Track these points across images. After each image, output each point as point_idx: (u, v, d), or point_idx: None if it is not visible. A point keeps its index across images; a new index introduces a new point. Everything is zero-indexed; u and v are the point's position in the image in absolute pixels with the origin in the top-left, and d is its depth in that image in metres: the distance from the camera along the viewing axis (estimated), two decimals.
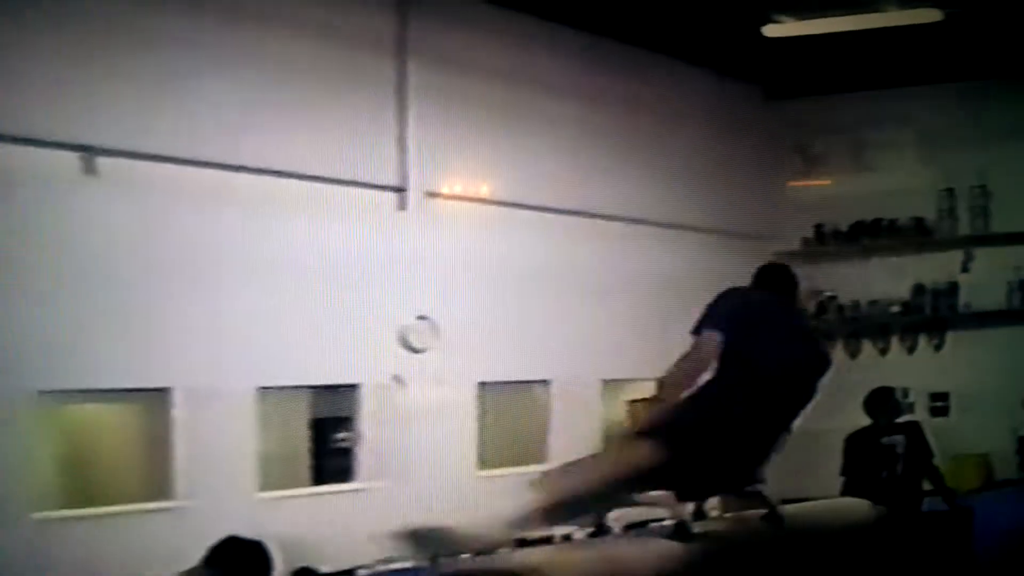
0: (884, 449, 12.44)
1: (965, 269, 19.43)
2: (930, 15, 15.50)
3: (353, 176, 14.35)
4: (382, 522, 14.04)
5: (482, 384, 15.59)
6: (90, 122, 12.05)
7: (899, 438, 12.63)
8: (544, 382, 16.58)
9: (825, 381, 7.06)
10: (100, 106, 12.14)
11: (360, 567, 13.34)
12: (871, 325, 19.85)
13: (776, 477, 6.72)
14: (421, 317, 14.78)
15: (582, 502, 6.23)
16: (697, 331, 6.89)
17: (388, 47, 14.91)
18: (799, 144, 20.43)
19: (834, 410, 14.94)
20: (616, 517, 6.09)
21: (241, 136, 13.32)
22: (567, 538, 12.70)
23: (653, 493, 5.90)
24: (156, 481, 12.37)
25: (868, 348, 19.83)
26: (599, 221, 17.14)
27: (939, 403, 19.18)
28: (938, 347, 19.66)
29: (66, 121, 11.88)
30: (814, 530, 6.56)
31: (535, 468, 16.11)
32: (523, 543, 10.43)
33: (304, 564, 13.19)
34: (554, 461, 16.29)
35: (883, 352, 19.70)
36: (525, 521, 6.04)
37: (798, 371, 6.81)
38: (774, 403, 6.54)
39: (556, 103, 16.75)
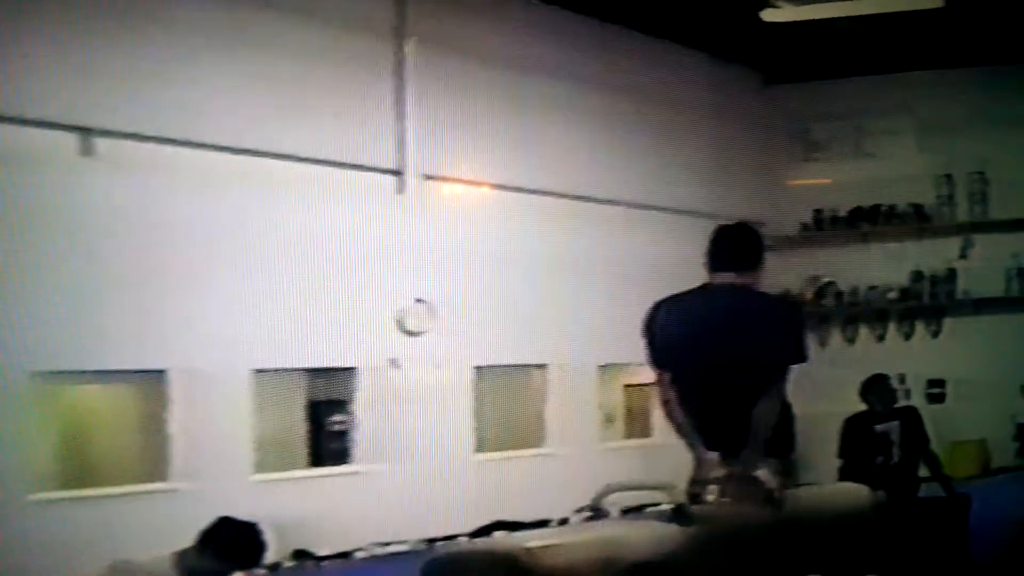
0: (878, 436, 12.45)
1: (963, 256, 19.42)
2: (931, 1, 15.46)
3: (351, 159, 14.31)
4: (379, 505, 14.12)
5: (479, 368, 15.58)
6: (88, 103, 12.01)
7: (893, 425, 12.64)
8: (541, 366, 16.57)
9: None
10: (98, 87, 12.10)
11: (357, 550, 13.32)
12: (869, 311, 19.84)
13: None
14: (418, 300, 14.75)
15: None
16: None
17: (387, 29, 14.87)
18: (798, 130, 20.41)
19: (831, 395, 15.01)
20: (613, 501, 6.05)
21: (239, 118, 13.29)
22: (564, 521, 12.72)
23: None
24: (151, 463, 12.36)
25: (865, 334, 19.83)
26: (597, 205, 17.11)
27: (936, 390, 19.17)
28: (936, 333, 19.65)
29: (63, 101, 11.84)
30: (812, 515, 6.54)
31: (532, 452, 16.15)
32: (518, 526, 10.43)
33: (300, 547, 13.19)
34: (551, 445, 16.34)
35: (880, 338, 19.70)
36: None
37: (726, 360, 6.97)
38: (723, 396, 6.75)
39: (555, 87, 16.72)
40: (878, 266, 19.83)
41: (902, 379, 17.63)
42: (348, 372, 14.39)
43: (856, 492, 7.45)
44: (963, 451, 17.58)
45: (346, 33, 14.43)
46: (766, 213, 19.53)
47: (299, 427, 14.33)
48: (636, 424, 17.71)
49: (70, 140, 11.87)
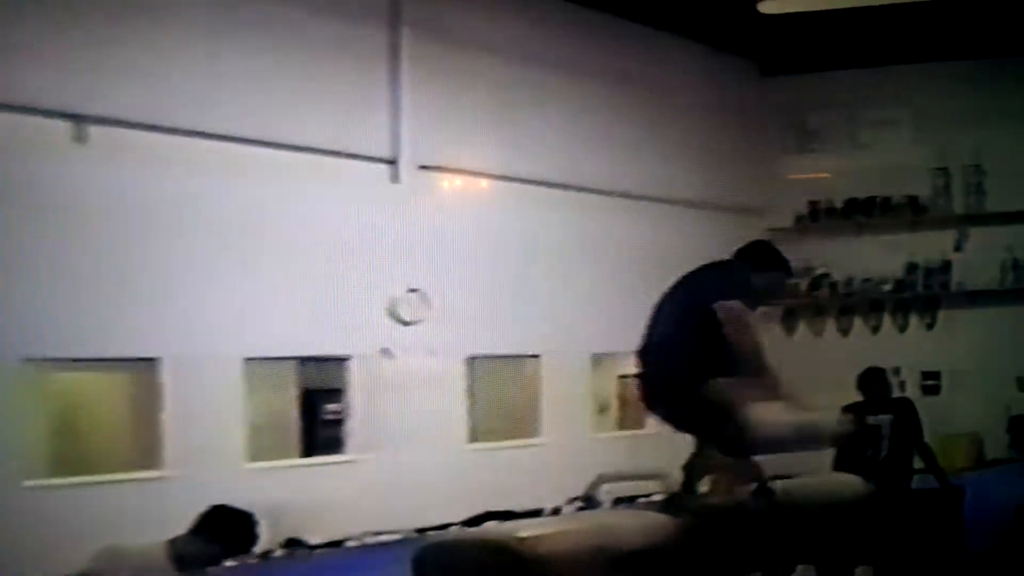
0: (869, 428, 12.44)
1: (958, 248, 19.41)
2: None
3: (345, 148, 14.30)
4: (371, 494, 14.11)
5: (472, 357, 15.56)
6: (81, 90, 12.00)
7: (885, 418, 12.62)
8: (534, 356, 16.55)
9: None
10: (92, 75, 12.08)
11: (349, 539, 13.32)
12: (863, 302, 19.83)
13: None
14: (412, 290, 14.73)
15: None
16: None
17: (382, 18, 14.85)
18: (794, 121, 20.38)
19: (826, 386, 14.99)
20: (606, 491, 6.03)
21: (233, 106, 13.27)
22: (556, 511, 12.71)
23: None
24: (144, 451, 12.34)
25: (860, 325, 19.82)
26: (591, 195, 17.09)
27: (930, 381, 19.17)
28: (930, 325, 19.64)
29: (57, 89, 11.82)
30: (804, 505, 6.53)
31: (525, 442, 16.13)
32: (511, 516, 10.42)
33: (293, 535, 13.18)
34: (544, 435, 16.33)
35: (875, 330, 19.69)
36: None
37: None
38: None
39: (550, 76, 16.70)
40: (873, 257, 19.81)
41: (897, 371, 17.61)
42: (341, 361, 14.38)
43: (849, 483, 7.44)
44: (957, 443, 17.58)
45: (341, 22, 14.40)
46: (761, 203, 19.54)
47: (292, 416, 14.31)
48: (629, 414, 17.68)
49: (63, 128, 11.85)
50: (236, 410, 13.18)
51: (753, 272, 7.05)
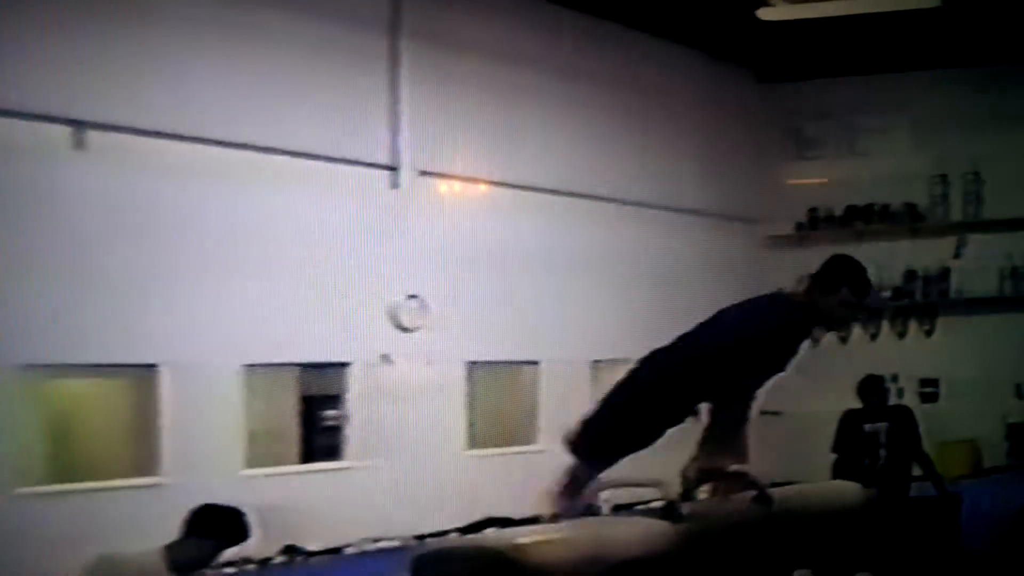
0: (866, 436, 12.40)
1: (957, 255, 19.42)
2: (927, 1, 15.44)
3: (345, 154, 14.30)
4: (369, 501, 14.10)
5: (471, 364, 15.56)
6: (81, 96, 12.01)
7: (882, 426, 12.58)
8: (533, 362, 16.54)
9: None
10: (92, 81, 12.10)
11: (347, 545, 13.31)
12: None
13: (766, 460, 6.69)
14: (411, 296, 14.73)
15: None
16: None
17: (382, 25, 14.86)
18: (792, 128, 20.39)
19: (823, 394, 14.97)
20: (605, 498, 6.02)
21: (232, 113, 13.28)
22: (554, 518, 12.69)
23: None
24: (142, 457, 12.34)
25: (859, 333, 19.80)
26: (589, 202, 17.10)
27: (929, 389, 19.17)
28: (929, 333, 19.65)
29: (56, 95, 11.83)
30: (803, 513, 6.52)
31: (523, 448, 16.11)
32: (509, 523, 10.40)
33: (290, 542, 13.17)
34: (542, 442, 16.30)
35: (874, 337, 19.68)
36: None
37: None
38: None
39: (549, 83, 16.71)
40: (872, 265, 19.66)
41: (895, 378, 17.61)
42: (340, 368, 14.37)
43: (847, 490, 7.42)
44: (955, 450, 17.57)
45: (341, 29, 14.41)
46: (761, 211, 19.54)
47: (290, 422, 14.32)
48: None
49: (62, 133, 11.86)
50: (234, 417, 13.17)
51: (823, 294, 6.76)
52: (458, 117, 15.48)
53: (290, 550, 13.16)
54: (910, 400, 17.27)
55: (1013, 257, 19.13)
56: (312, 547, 13.24)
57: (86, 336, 11.91)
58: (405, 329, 14.69)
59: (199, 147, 12.89)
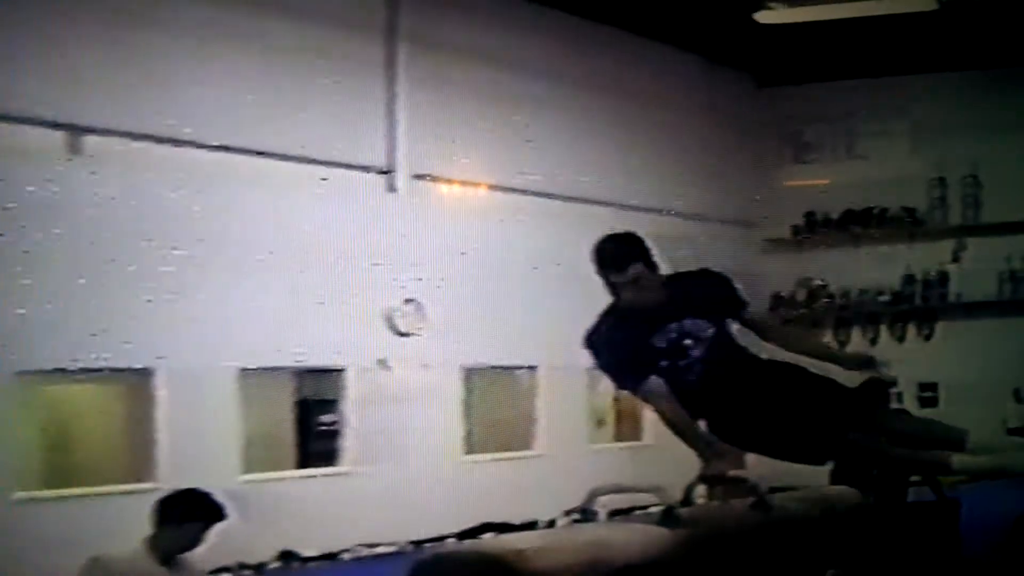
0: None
1: (956, 259, 19.40)
2: (925, 4, 15.43)
3: (341, 158, 14.29)
4: (366, 506, 14.06)
5: (468, 369, 15.54)
6: (77, 101, 12.00)
7: None
8: (530, 367, 16.52)
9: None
10: (88, 86, 12.09)
11: (343, 551, 13.27)
12: (860, 314, 19.81)
13: (765, 464, 6.67)
14: (408, 300, 14.70)
15: None
16: None
17: (378, 29, 14.85)
18: (790, 132, 20.37)
19: None
20: (603, 503, 5.99)
21: (228, 117, 13.26)
22: (552, 523, 12.67)
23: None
24: (137, 463, 12.30)
25: (857, 337, 19.79)
26: (587, 206, 17.07)
27: (928, 393, 19.14)
28: (928, 337, 19.63)
29: (52, 100, 11.82)
30: (802, 518, 6.49)
31: (521, 454, 16.09)
32: (507, 528, 10.37)
33: (287, 547, 13.14)
34: (540, 447, 16.29)
35: (872, 341, 19.65)
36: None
37: None
38: None
39: (546, 87, 16.69)
40: (870, 269, 19.79)
41: (894, 383, 17.59)
42: (337, 373, 14.35)
43: (845, 495, 7.40)
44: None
45: (338, 33, 14.40)
46: (758, 215, 19.52)
47: (287, 427, 14.28)
48: (626, 426, 17.66)
49: (58, 138, 11.84)
50: (231, 421, 13.14)
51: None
52: (455, 121, 15.47)
53: (286, 555, 13.12)
54: (909, 405, 17.25)
55: (1012, 261, 19.11)
56: (309, 553, 13.20)
57: (82, 341, 11.87)
58: (402, 334, 14.66)
59: (195, 151, 12.88)
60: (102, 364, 12.20)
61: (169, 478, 12.27)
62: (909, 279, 19.65)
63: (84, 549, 7.67)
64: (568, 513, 10.37)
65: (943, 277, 19.47)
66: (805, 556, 6.46)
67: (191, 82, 12.98)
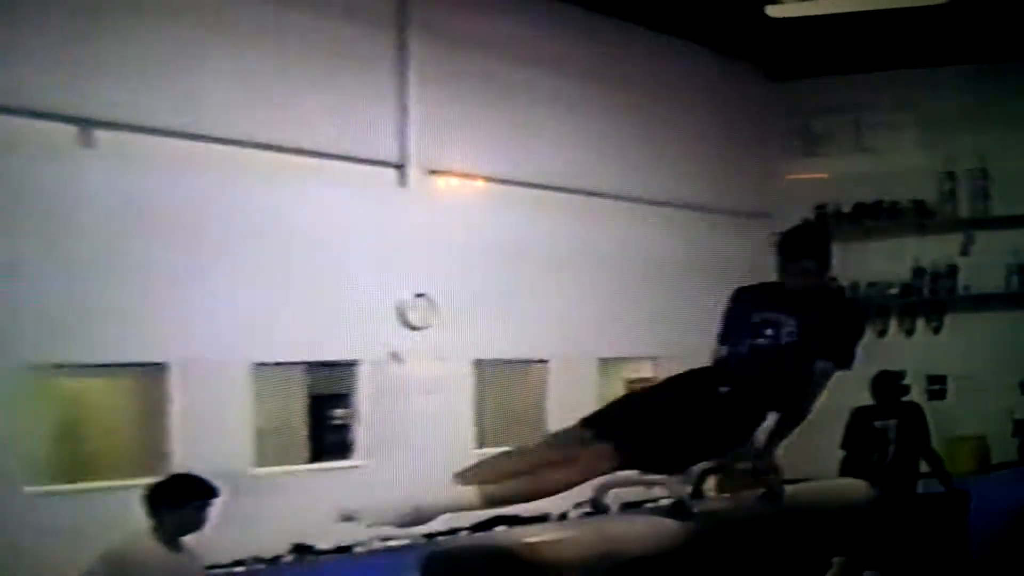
0: (876, 432, 12.39)
1: (965, 252, 19.41)
2: None
3: (353, 152, 14.31)
4: (379, 499, 14.09)
5: (480, 362, 15.58)
6: (89, 95, 12.02)
7: (892, 422, 12.57)
8: (542, 360, 16.55)
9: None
10: (99, 79, 12.10)
11: (356, 544, 13.31)
12: (870, 307, 19.81)
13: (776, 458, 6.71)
14: (420, 294, 14.74)
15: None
16: None
17: (390, 22, 14.86)
18: (800, 125, 20.38)
19: (830, 391, 14.96)
20: (613, 496, 6.04)
21: (240, 110, 13.28)
22: (563, 516, 12.71)
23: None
24: (151, 456, 12.33)
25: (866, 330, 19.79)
26: (599, 200, 17.11)
27: (936, 386, 19.14)
28: (936, 329, 19.65)
29: (64, 94, 11.84)
30: (812, 510, 6.53)
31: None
32: (518, 521, 10.42)
33: (300, 541, 13.19)
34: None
35: (881, 334, 19.65)
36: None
37: None
38: None
39: (558, 81, 16.72)
40: (879, 262, 19.81)
41: (903, 375, 17.59)
42: (349, 366, 14.39)
43: (855, 487, 7.43)
44: (963, 447, 17.57)
45: (349, 26, 14.42)
46: (769, 208, 19.52)
47: (300, 421, 14.33)
48: None
49: (70, 131, 11.87)
50: (244, 415, 13.19)
51: None
52: (466, 115, 15.50)
53: (300, 549, 13.17)
54: (918, 397, 17.28)
55: (1021, 253, 19.13)
56: (322, 546, 13.25)
57: (95, 335, 11.92)
58: (414, 327, 14.70)
59: (208, 145, 12.90)
60: (116, 358, 12.25)
61: (196, 473, 12.35)
62: (918, 272, 19.67)
63: (97, 543, 7.74)
64: (579, 506, 10.40)
65: (952, 270, 19.49)
66: (814, 547, 6.50)
67: (203, 76, 13.01)
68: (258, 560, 12.83)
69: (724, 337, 6.36)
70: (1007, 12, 16.97)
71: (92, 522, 10.96)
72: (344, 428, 14.39)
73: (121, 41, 12.34)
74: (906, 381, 17.18)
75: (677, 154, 18.48)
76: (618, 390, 17.42)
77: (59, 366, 11.84)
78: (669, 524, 5.65)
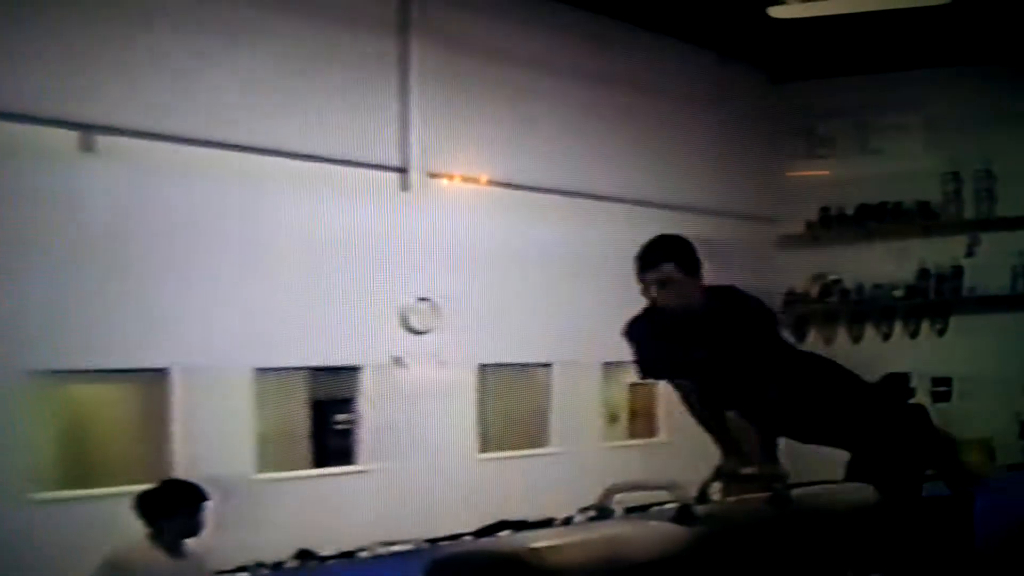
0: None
1: (970, 253, 19.38)
2: None
3: (355, 156, 14.29)
4: (382, 504, 14.08)
5: (483, 366, 15.55)
6: (90, 99, 12.01)
7: None
8: (545, 365, 16.52)
9: None
10: (100, 84, 12.10)
11: (360, 549, 13.29)
12: (875, 309, 19.79)
13: (780, 461, 6.68)
14: (423, 298, 14.72)
15: None
16: None
17: (391, 27, 14.85)
18: (804, 127, 20.36)
19: None
20: (618, 500, 6.00)
21: (242, 115, 13.27)
22: (568, 521, 12.69)
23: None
24: (153, 462, 12.31)
25: (871, 332, 19.77)
26: (603, 203, 17.08)
27: (941, 388, 19.11)
28: (941, 331, 19.61)
29: (65, 99, 11.83)
30: (817, 514, 6.50)
31: (536, 451, 16.10)
32: (523, 526, 10.39)
33: (304, 546, 13.16)
34: (555, 444, 16.29)
35: (886, 336, 19.64)
36: None
37: None
38: None
39: (560, 84, 16.69)
40: (884, 264, 19.78)
41: (909, 378, 17.58)
42: (352, 371, 14.36)
43: (861, 490, 7.40)
44: (968, 449, 17.53)
45: (351, 31, 14.41)
46: (773, 210, 19.51)
47: (303, 426, 14.30)
48: (641, 423, 17.66)
49: (71, 137, 11.86)
50: (246, 421, 13.16)
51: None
52: (468, 119, 15.47)
53: (303, 554, 13.14)
54: (923, 399, 17.24)
55: None
56: (325, 551, 13.22)
57: (97, 341, 11.90)
58: (416, 332, 14.67)
59: (209, 151, 12.89)
60: (118, 364, 12.23)
61: (185, 478, 12.32)
62: (923, 273, 19.64)
63: (100, 549, 7.73)
64: (584, 510, 10.40)
65: (957, 271, 19.45)
66: (820, 552, 6.47)
67: (204, 81, 13.00)
68: (262, 565, 12.80)
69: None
70: (1012, 12, 16.93)
71: (94, 528, 10.94)
72: (347, 433, 14.35)
73: (121, 46, 12.33)
74: (911, 383, 17.20)
75: (680, 157, 18.45)
76: (622, 394, 17.45)
77: (61, 372, 11.81)
78: (675, 529, 5.61)
